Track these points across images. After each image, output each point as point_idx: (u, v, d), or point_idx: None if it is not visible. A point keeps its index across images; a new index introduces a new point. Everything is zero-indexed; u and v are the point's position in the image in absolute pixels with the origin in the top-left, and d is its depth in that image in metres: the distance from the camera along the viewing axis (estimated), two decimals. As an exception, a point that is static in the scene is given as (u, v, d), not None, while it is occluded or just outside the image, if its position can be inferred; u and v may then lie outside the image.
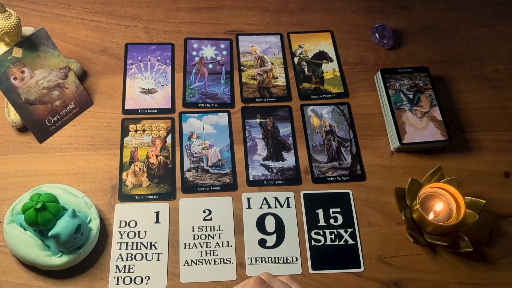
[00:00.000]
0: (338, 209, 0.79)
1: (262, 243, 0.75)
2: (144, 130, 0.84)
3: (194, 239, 0.75)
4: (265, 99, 0.89)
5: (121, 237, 0.74)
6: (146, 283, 0.71)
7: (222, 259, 0.74)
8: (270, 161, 0.83)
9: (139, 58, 0.92)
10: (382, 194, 0.81)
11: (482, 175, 0.84)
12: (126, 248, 0.74)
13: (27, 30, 0.81)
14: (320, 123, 0.87)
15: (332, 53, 0.96)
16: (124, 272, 0.72)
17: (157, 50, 0.93)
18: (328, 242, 0.76)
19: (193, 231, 0.76)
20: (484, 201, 0.75)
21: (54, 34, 0.92)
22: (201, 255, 0.74)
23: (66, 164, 0.80)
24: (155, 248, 0.74)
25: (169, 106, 0.87)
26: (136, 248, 0.74)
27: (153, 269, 0.72)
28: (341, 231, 0.77)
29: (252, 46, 0.95)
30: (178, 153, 0.83)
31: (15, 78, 0.77)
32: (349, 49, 0.97)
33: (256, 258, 0.74)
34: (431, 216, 0.75)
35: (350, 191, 0.81)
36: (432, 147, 0.85)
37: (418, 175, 0.79)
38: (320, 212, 0.78)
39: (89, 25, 0.95)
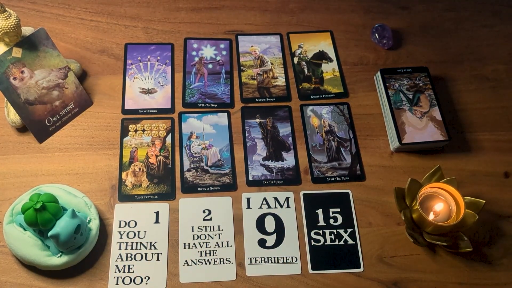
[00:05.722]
0: (338, 209, 0.79)
1: (261, 243, 0.75)
2: (143, 130, 0.84)
3: (193, 239, 0.75)
4: (264, 99, 0.89)
5: (121, 237, 0.74)
6: (146, 283, 0.71)
7: (222, 259, 0.74)
8: (270, 161, 0.83)
9: (139, 58, 0.92)
10: (382, 194, 0.81)
11: (482, 175, 0.84)
12: (126, 248, 0.74)
13: (27, 30, 0.81)
14: (319, 123, 0.87)
15: (331, 53, 0.96)
16: (124, 272, 0.72)
17: (156, 50, 0.93)
18: (328, 242, 0.76)
19: (192, 231, 0.76)
20: (484, 201, 0.75)
21: (54, 34, 0.92)
22: (201, 255, 0.74)
23: (65, 164, 0.80)
24: (155, 248, 0.74)
25: (169, 106, 0.87)
26: (136, 248, 0.74)
27: (153, 269, 0.72)
28: (341, 231, 0.77)
29: (252, 46, 0.95)
30: (177, 153, 0.83)
31: (14, 78, 0.77)
32: (348, 49, 0.97)
33: (255, 258, 0.74)
34: (431, 216, 0.75)
35: (349, 191, 0.81)
36: (431, 147, 0.85)
37: (417, 175, 0.79)
38: (319, 212, 0.78)
39: (88, 25, 0.95)
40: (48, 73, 0.80)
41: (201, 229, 0.76)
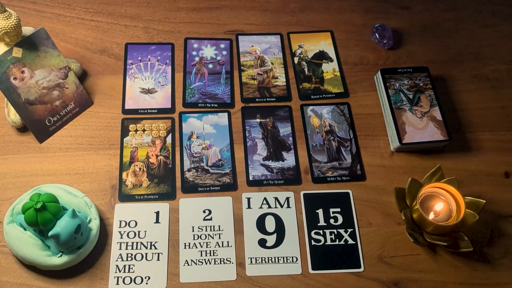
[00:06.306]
0: (338, 209, 0.79)
1: (262, 243, 0.75)
2: (144, 130, 0.84)
3: (194, 239, 0.75)
4: (265, 99, 0.89)
5: (121, 237, 0.74)
6: (146, 283, 0.71)
7: (222, 259, 0.74)
8: (270, 161, 0.83)
9: (139, 58, 0.92)
10: (382, 194, 0.81)
11: (482, 175, 0.84)
12: (126, 248, 0.74)
13: (27, 30, 0.81)
14: (320, 123, 0.87)
15: (332, 53, 0.96)
16: (124, 272, 0.72)
17: (157, 50, 0.93)
18: (328, 242, 0.76)
19: (193, 231, 0.76)
20: (484, 201, 0.75)
21: (54, 34, 0.92)
22: (201, 255, 0.74)
23: (66, 164, 0.80)
24: (155, 248, 0.74)
25: (169, 106, 0.87)
26: (136, 248, 0.74)
27: (153, 269, 0.72)
28: (341, 231, 0.77)
29: (252, 46, 0.95)
30: (178, 153, 0.83)
31: (15, 78, 0.77)
32: (349, 49, 0.97)
33: (256, 258, 0.74)
34: (431, 216, 0.75)
35: (350, 191, 0.81)
36: (432, 147, 0.85)
37: (418, 175, 0.79)
38: (320, 212, 0.78)
39: (89, 25, 0.95)
40: (49, 73, 0.80)
41: (202, 229, 0.76)
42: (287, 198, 0.79)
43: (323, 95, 0.90)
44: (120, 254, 0.73)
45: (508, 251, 0.77)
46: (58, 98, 0.82)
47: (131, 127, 0.84)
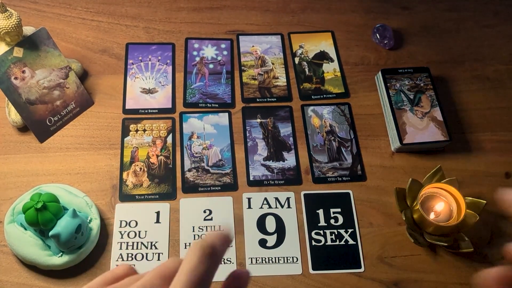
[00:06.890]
0: (339, 209, 0.79)
1: (262, 243, 0.75)
2: (144, 130, 0.84)
3: (194, 239, 0.75)
4: (265, 99, 0.89)
5: (122, 237, 0.74)
6: (147, 283, 0.71)
7: (222, 259, 0.73)
8: (271, 161, 0.83)
9: (140, 58, 0.92)
10: (383, 195, 0.81)
11: (483, 175, 0.84)
12: (127, 248, 0.74)
13: (28, 30, 0.81)
14: (320, 123, 0.87)
15: (332, 53, 0.96)
16: (125, 272, 0.72)
17: (157, 50, 0.93)
18: (329, 242, 0.76)
19: (193, 231, 0.76)
20: (485, 202, 0.75)
21: (55, 34, 0.92)
22: (202, 255, 0.74)
23: (66, 164, 0.80)
24: (156, 248, 0.74)
25: (170, 106, 0.87)
26: (137, 248, 0.74)
27: (154, 269, 0.72)
28: (342, 231, 0.77)
29: (253, 46, 0.95)
30: (178, 153, 0.83)
31: (16, 78, 0.77)
32: (349, 49, 0.97)
33: (256, 258, 0.74)
34: (431, 217, 0.75)
35: (350, 191, 0.80)
36: (432, 148, 0.85)
37: (418, 176, 0.79)
38: (320, 212, 0.78)
39: (90, 25, 0.95)
40: (49, 73, 0.80)
41: (202, 229, 0.76)
42: (288, 198, 0.79)
43: (324, 95, 0.90)
44: (121, 254, 0.73)
45: (508, 251, 0.77)
46: (58, 98, 0.82)
47: (132, 127, 0.84)
